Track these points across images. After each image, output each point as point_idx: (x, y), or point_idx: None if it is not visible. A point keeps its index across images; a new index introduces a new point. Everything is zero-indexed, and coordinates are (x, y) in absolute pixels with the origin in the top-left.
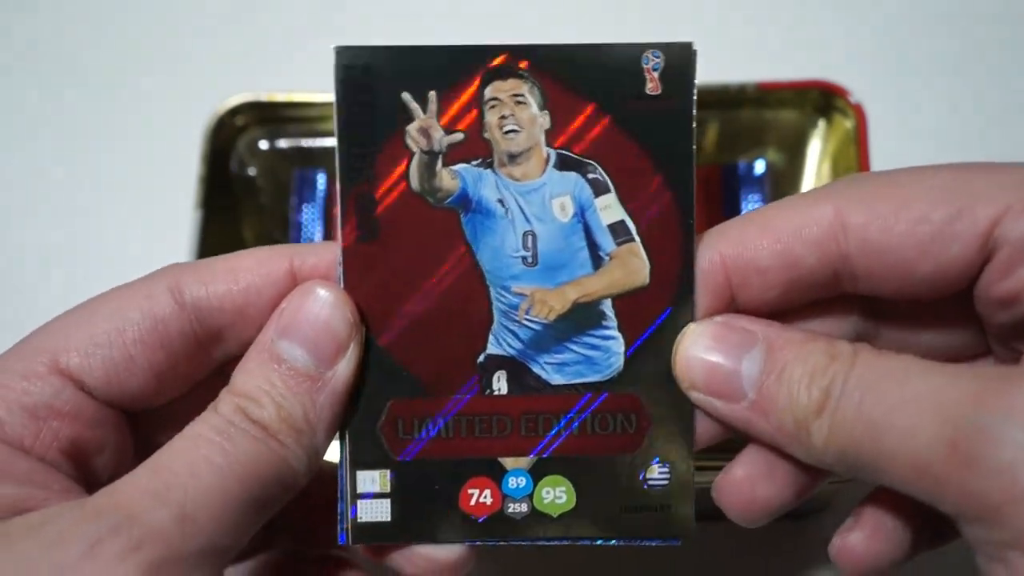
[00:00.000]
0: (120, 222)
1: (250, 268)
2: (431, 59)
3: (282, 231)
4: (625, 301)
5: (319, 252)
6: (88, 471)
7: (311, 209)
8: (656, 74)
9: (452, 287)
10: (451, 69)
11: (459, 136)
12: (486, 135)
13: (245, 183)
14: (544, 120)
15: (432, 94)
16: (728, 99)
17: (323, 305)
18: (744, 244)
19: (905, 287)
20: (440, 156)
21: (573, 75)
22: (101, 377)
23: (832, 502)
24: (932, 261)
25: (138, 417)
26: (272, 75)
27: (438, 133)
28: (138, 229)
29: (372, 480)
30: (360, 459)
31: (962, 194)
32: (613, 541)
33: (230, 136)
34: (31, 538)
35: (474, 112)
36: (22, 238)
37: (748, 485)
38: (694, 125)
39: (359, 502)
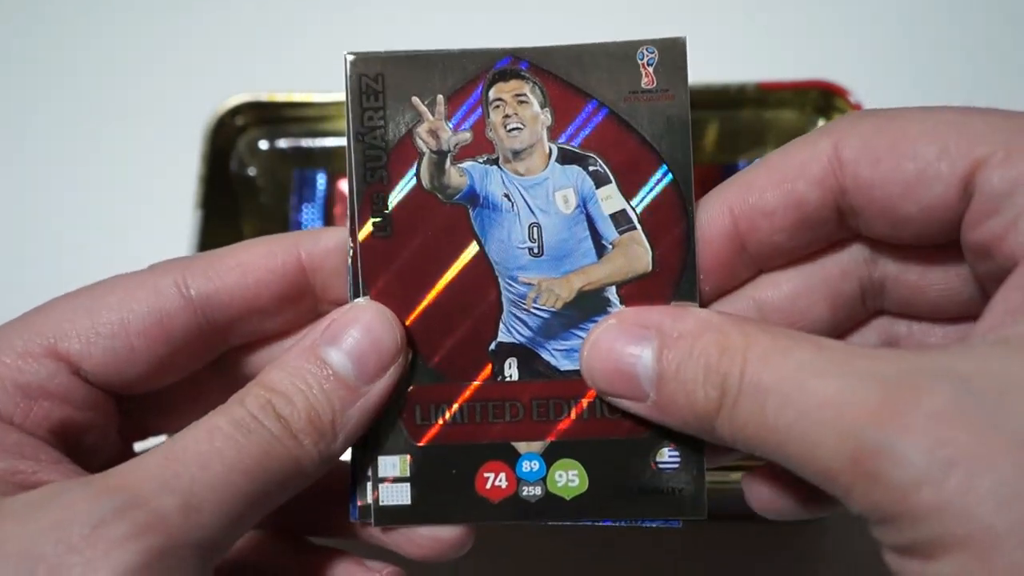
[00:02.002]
0: (120, 222)
1: (258, 262)
2: (438, 65)
3: (282, 231)
4: (629, 288)
5: (326, 237)
6: (74, 450)
7: (311, 209)
8: (651, 68)
9: (463, 278)
10: (457, 74)
11: (466, 136)
12: (490, 134)
13: (245, 183)
14: (546, 117)
15: (440, 97)
16: (728, 99)
17: (378, 322)
18: (749, 188)
19: (895, 227)
20: (449, 155)
21: (572, 73)
22: (99, 365)
23: None
24: (915, 201)
25: (127, 399)
26: (272, 75)
27: (446, 134)
28: (138, 229)
29: (393, 465)
30: (382, 444)
31: (954, 135)
32: (623, 522)
33: (230, 136)
34: (35, 515)
35: (479, 112)
36: (22, 238)
37: (780, 484)
38: (689, 115)
39: (381, 486)
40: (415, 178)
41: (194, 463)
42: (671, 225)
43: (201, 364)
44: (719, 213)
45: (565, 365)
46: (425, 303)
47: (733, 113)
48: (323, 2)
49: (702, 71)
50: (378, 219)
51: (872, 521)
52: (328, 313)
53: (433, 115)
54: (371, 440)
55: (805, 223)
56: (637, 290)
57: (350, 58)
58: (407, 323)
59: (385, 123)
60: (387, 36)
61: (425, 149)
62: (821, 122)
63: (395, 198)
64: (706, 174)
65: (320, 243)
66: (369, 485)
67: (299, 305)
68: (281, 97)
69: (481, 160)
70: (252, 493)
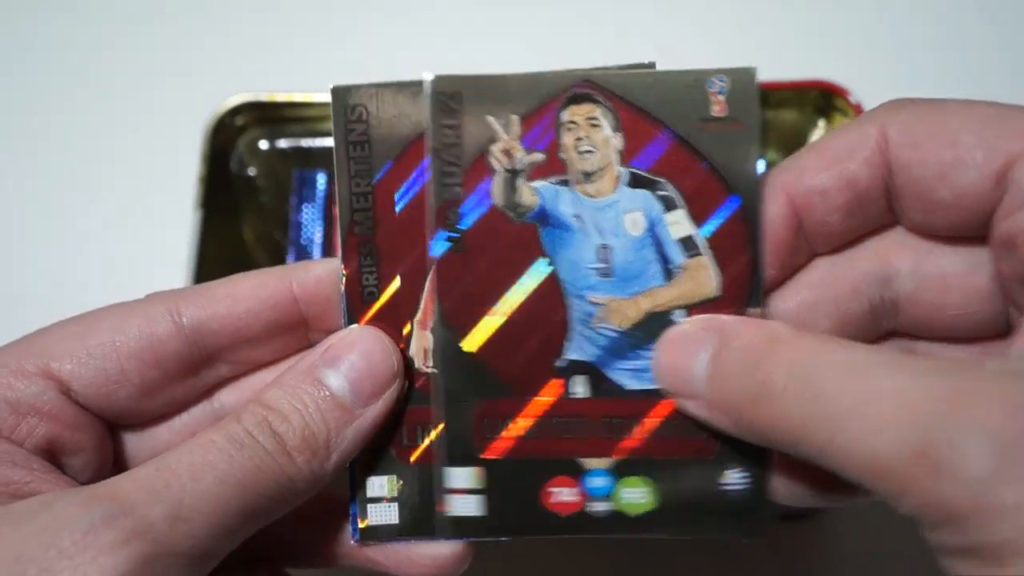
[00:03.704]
0: (120, 222)
1: (249, 293)
2: (514, 87)
3: (282, 231)
4: (698, 311)
5: (317, 267)
6: (63, 469)
7: (311, 209)
8: (722, 97)
9: (531, 295)
10: (532, 95)
11: (539, 156)
12: (562, 155)
13: (245, 183)
14: (617, 141)
15: (515, 117)
16: None
17: (375, 347)
18: (803, 170)
19: (928, 213)
20: (521, 174)
21: (643, 99)
22: (90, 385)
23: None
24: (949, 186)
25: (121, 432)
26: (272, 75)
27: (520, 153)
28: (138, 229)
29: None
30: (452, 456)
31: (995, 127)
32: (689, 535)
33: (230, 136)
34: (28, 522)
35: (552, 134)
36: (22, 237)
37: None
38: (758, 144)
39: (447, 496)
40: (487, 195)
41: (185, 474)
42: (738, 252)
43: (189, 398)
44: (776, 196)
45: (631, 384)
46: (496, 318)
47: None
48: (323, 2)
49: None
50: (452, 234)
51: (929, 521)
52: (319, 341)
53: (507, 134)
54: (445, 450)
55: (857, 202)
56: (704, 312)
57: (433, 80)
58: (478, 342)
59: (461, 140)
60: (388, 35)
61: (498, 167)
62: (821, 122)
63: (468, 214)
64: None
65: (311, 273)
66: (445, 497)
67: (290, 335)
68: (281, 97)
69: (552, 180)
70: (243, 507)
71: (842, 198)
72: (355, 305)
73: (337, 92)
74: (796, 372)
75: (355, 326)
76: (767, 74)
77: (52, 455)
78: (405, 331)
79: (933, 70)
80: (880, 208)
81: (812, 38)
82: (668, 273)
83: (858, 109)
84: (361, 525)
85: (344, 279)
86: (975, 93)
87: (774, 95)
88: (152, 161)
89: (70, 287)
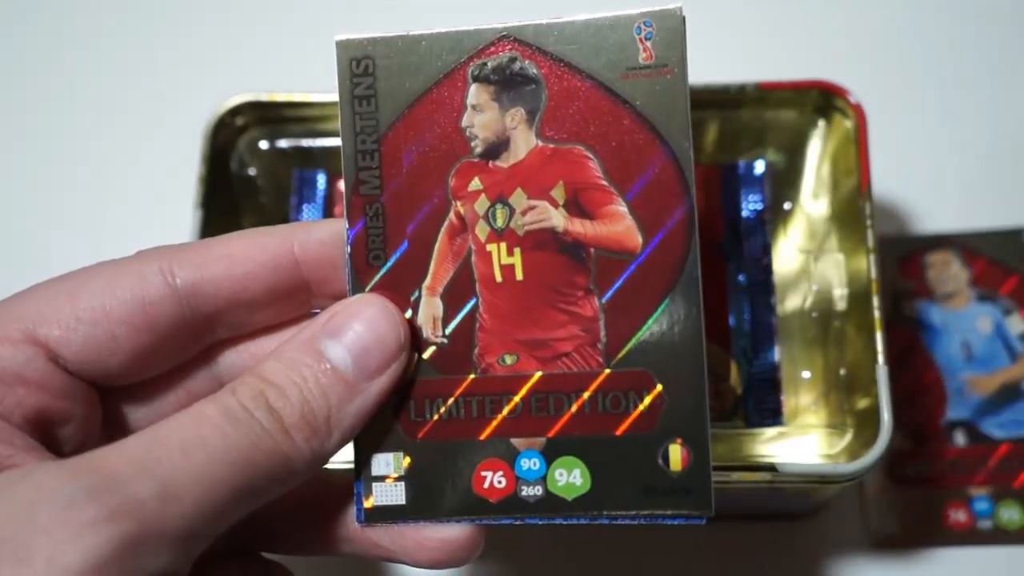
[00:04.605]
0: (120, 222)
1: (247, 254)
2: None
3: None
4: None
5: (320, 228)
6: (51, 440)
7: (311, 209)
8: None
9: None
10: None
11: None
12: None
13: (245, 183)
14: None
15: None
16: (728, 99)
17: (381, 316)
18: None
19: None
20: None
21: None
22: (79, 353)
23: (832, 502)
24: None
25: (110, 391)
26: (272, 75)
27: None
28: (138, 229)
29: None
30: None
31: None
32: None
33: (230, 136)
34: (3, 496)
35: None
36: (22, 237)
37: None
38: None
39: (374, 484)
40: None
41: (176, 449)
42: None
43: (187, 356)
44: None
45: (998, 435)
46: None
47: (733, 113)
48: (323, 2)
49: (702, 71)
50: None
51: None
52: (324, 307)
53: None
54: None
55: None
56: None
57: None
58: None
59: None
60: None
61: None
62: (821, 122)
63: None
64: (706, 174)
65: (314, 235)
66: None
67: (291, 299)
68: (281, 97)
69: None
70: (236, 486)
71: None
72: (360, 270)
73: (342, 45)
74: None
75: (359, 293)
76: (767, 74)
77: (40, 425)
78: (413, 297)
79: (933, 70)
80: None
81: (812, 38)
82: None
83: (858, 109)
84: (366, 505)
85: (349, 242)
86: (974, 93)
87: (774, 95)
88: (152, 161)
89: None
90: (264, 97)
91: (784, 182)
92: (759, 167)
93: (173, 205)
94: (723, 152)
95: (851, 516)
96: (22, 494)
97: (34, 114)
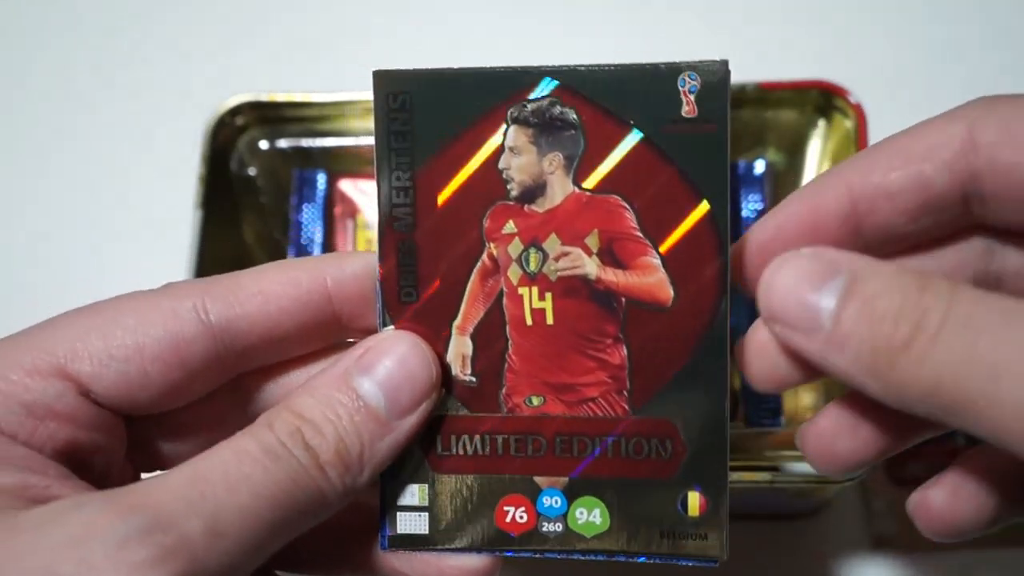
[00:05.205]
0: (121, 222)
1: (281, 290)
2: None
3: (282, 231)
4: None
5: (351, 262)
6: (80, 468)
7: (311, 209)
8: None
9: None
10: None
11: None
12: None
13: (245, 183)
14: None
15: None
16: None
17: (413, 354)
18: (872, 167)
19: None
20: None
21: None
22: (111, 388)
23: (832, 502)
24: None
25: (135, 419)
26: (272, 75)
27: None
28: (138, 229)
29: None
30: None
31: None
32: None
33: (230, 136)
34: (54, 530)
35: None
36: (22, 237)
37: (829, 437)
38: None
39: (399, 514)
40: None
41: (221, 485)
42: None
43: (215, 386)
44: (836, 193)
45: None
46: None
47: (733, 113)
48: (324, 2)
49: None
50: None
51: None
52: (353, 340)
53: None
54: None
55: (929, 207)
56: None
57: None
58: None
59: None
60: (389, 35)
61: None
62: (821, 122)
63: None
64: None
65: (347, 269)
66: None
67: (322, 331)
68: (281, 97)
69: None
70: (275, 522)
71: (912, 201)
72: (391, 306)
73: (380, 77)
74: (954, 313)
75: (391, 329)
76: (767, 74)
77: (71, 456)
78: (443, 335)
79: (933, 70)
80: (953, 214)
81: (812, 38)
82: None
83: (858, 109)
84: (390, 533)
85: (380, 278)
86: (974, 93)
87: (774, 95)
88: (152, 161)
89: (70, 287)
90: (264, 97)
91: (784, 182)
92: (759, 167)
93: (173, 205)
94: None
95: (851, 516)
96: (74, 530)
97: (34, 114)
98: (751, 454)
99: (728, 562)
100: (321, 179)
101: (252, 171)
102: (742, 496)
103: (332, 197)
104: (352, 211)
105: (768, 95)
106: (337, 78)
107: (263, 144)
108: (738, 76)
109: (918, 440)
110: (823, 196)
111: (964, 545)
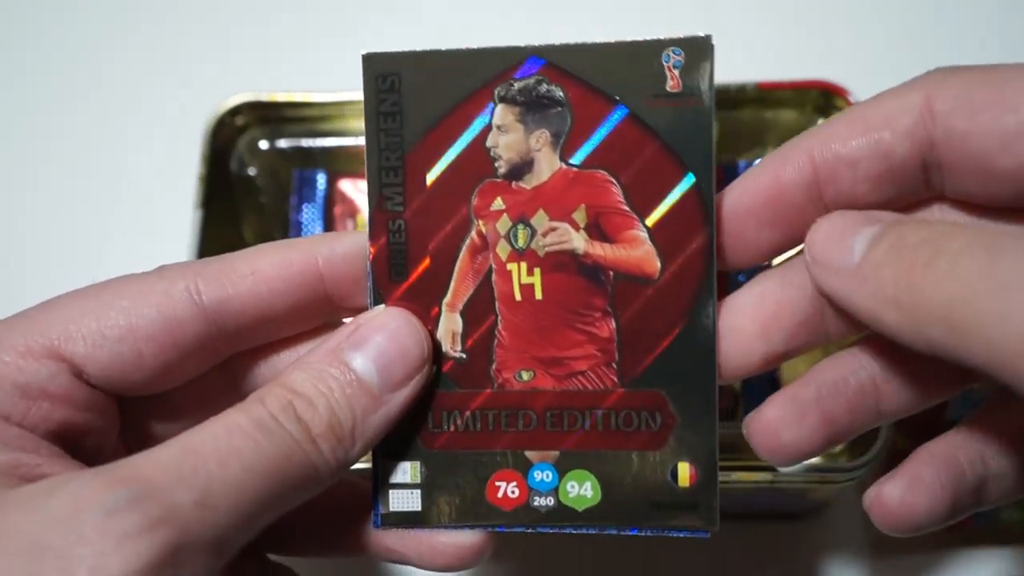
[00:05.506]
0: (120, 222)
1: (273, 271)
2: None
3: (282, 231)
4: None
5: (342, 242)
6: (73, 448)
7: (311, 209)
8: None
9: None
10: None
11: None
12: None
13: (245, 183)
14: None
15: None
16: (728, 99)
17: (405, 329)
18: (832, 136)
19: (986, 184)
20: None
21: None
22: (104, 368)
23: (832, 502)
24: (1013, 156)
25: (128, 399)
26: (272, 75)
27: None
28: (138, 229)
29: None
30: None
31: None
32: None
33: (230, 136)
34: (43, 505)
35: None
36: (22, 237)
37: (775, 427)
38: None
39: (391, 491)
40: None
41: (212, 459)
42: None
43: (206, 367)
44: (798, 161)
45: None
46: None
47: (733, 113)
48: (324, 2)
49: None
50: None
51: None
52: (343, 320)
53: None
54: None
55: (889, 176)
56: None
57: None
58: None
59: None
60: (389, 35)
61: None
62: (821, 122)
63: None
64: None
65: (338, 249)
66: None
67: (312, 312)
68: (281, 97)
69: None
70: (267, 495)
71: (873, 169)
72: (382, 284)
73: (369, 60)
74: (977, 239)
75: (382, 306)
76: (767, 74)
77: (64, 436)
78: (433, 312)
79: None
80: (914, 183)
81: (812, 38)
82: None
83: None
84: (383, 511)
85: (371, 257)
86: None
87: (774, 95)
88: (152, 161)
89: (70, 287)
90: (264, 97)
91: None
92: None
93: (173, 205)
94: (723, 152)
95: (851, 516)
96: (63, 503)
97: (35, 114)
98: (751, 454)
99: (728, 562)
100: (321, 179)
101: (252, 171)
102: (742, 496)
103: (332, 197)
104: (352, 211)
105: (768, 95)
106: (337, 78)
107: (263, 144)
108: (738, 76)
109: (862, 431)
110: (785, 165)
111: (963, 544)
